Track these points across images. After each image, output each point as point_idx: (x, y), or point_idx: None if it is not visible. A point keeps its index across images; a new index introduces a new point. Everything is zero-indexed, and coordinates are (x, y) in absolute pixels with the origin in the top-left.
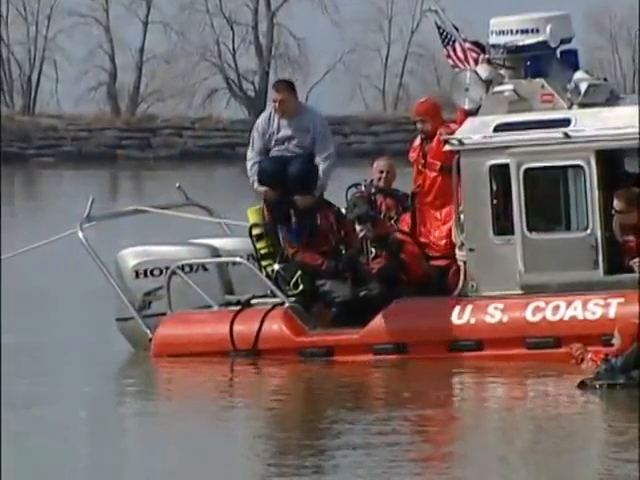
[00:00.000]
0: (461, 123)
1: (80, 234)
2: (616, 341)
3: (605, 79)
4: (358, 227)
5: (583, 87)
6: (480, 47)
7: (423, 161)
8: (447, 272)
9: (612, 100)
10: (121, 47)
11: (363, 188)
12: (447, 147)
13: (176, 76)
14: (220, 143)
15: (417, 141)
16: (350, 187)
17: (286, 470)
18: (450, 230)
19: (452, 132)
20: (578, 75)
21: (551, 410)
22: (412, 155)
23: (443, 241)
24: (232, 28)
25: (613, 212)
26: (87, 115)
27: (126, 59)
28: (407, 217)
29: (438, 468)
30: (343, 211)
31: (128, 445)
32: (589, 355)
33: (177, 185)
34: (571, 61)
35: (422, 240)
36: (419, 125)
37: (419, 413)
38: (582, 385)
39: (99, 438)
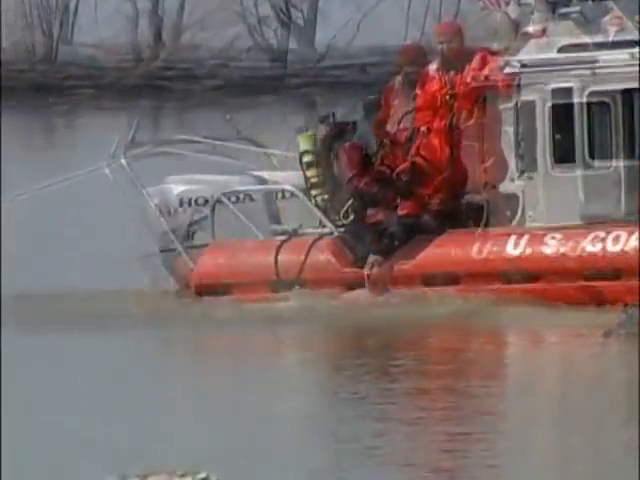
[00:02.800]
0: (482, 68)
1: (123, 161)
2: None
3: None
4: None
5: None
6: None
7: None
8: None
9: None
10: None
11: None
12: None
13: (222, 4)
14: (268, 75)
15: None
16: None
17: None
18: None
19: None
20: None
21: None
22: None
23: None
24: None
25: None
26: (128, 45)
27: None
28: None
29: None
30: None
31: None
32: None
33: (227, 117)
34: None
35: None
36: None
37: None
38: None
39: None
